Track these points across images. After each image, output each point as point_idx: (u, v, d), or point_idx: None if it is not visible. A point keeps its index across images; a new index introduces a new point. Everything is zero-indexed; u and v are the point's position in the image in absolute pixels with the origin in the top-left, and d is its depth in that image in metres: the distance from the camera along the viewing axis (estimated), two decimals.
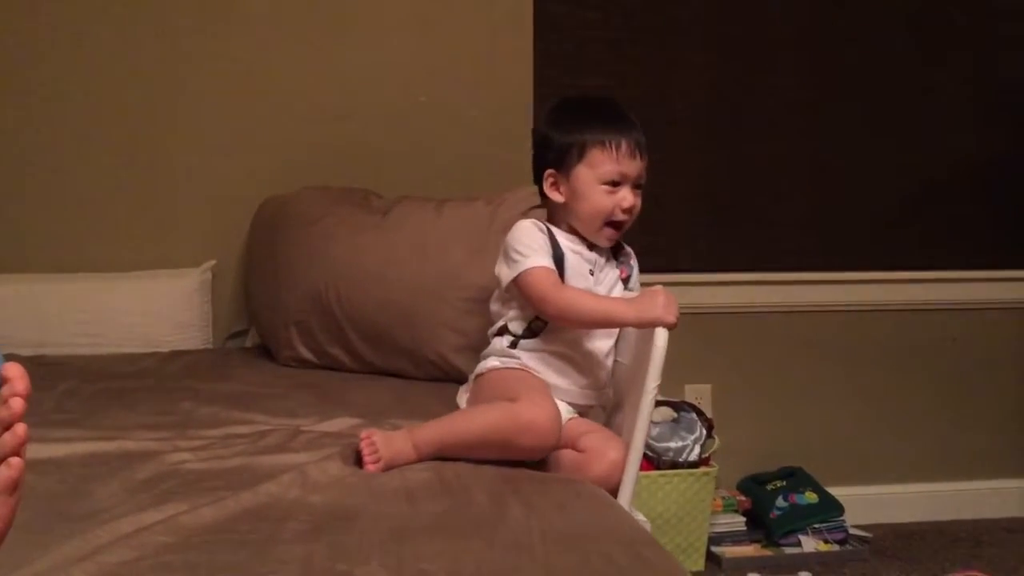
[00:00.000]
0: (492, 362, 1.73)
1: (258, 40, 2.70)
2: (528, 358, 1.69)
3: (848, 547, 2.82)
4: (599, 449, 1.59)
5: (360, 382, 2.12)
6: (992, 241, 3.13)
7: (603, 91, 2.82)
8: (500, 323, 1.75)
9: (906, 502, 3.09)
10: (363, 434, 1.47)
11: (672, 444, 2.69)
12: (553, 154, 1.73)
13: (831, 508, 2.86)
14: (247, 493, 1.24)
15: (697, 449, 2.71)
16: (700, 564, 2.71)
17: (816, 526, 2.83)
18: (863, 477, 3.08)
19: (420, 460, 1.48)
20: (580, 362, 1.70)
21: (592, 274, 1.72)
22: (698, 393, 3.00)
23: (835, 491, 2.91)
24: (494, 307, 1.77)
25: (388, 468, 1.44)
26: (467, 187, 2.50)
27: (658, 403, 2.80)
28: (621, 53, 2.93)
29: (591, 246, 1.75)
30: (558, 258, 1.69)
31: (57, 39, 2.62)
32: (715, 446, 2.76)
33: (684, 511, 2.68)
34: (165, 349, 2.51)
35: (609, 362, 1.74)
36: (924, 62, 3.07)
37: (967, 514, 3.11)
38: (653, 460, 2.67)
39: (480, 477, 1.36)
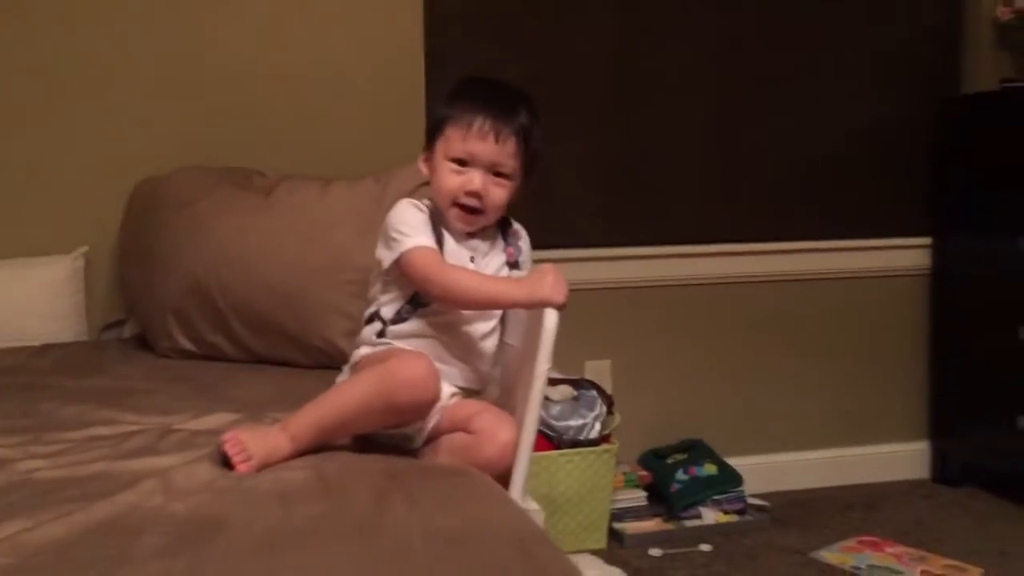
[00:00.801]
0: (363, 350, 1.64)
1: (133, 5, 2.53)
2: (400, 344, 1.61)
3: (747, 517, 2.84)
4: (490, 430, 1.51)
5: (243, 373, 2.02)
6: (883, 210, 3.18)
7: (500, 67, 2.76)
8: (372, 309, 1.67)
9: (802, 469, 3.14)
10: (225, 435, 1.37)
11: (572, 423, 2.65)
12: (429, 129, 1.69)
13: (729, 479, 2.88)
14: (102, 504, 1.13)
15: (597, 427, 2.68)
16: (602, 542, 2.69)
17: (716, 498, 2.84)
18: (761, 446, 3.12)
19: (300, 453, 1.40)
20: (455, 347, 1.63)
21: (472, 261, 1.65)
22: (598, 369, 2.97)
23: (734, 461, 2.93)
24: (371, 292, 1.68)
25: (263, 467, 1.35)
26: (357, 163, 2.40)
27: (557, 381, 2.77)
28: (517, 21, 2.85)
29: (473, 232, 1.67)
30: (438, 241, 1.62)
31: None
32: (615, 423, 2.74)
33: (585, 489, 2.65)
34: (36, 343, 2.34)
35: (489, 344, 1.66)
36: (822, 30, 3.08)
37: (861, 479, 3.17)
38: (553, 439, 2.63)
39: (363, 472, 1.28)
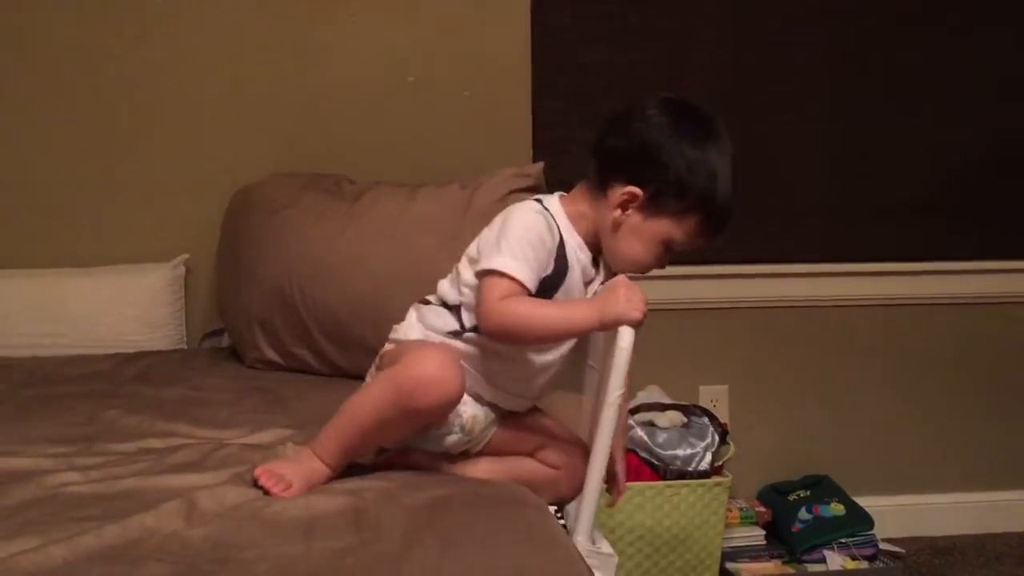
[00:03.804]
0: (415, 333, 1.45)
1: (232, 16, 2.51)
2: (468, 350, 1.42)
3: (878, 564, 2.57)
4: (573, 466, 1.43)
5: (322, 387, 1.93)
6: None
7: (609, 70, 2.63)
8: (458, 297, 1.45)
9: (944, 513, 2.84)
10: (258, 471, 1.26)
11: (680, 452, 2.46)
12: (655, 177, 1.39)
13: (859, 521, 2.62)
14: (114, 526, 1.04)
15: (708, 457, 2.47)
16: None
17: (843, 541, 2.59)
18: (896, 486, 2.84)
19: (338, 473, 1.30)
20: (523, 374, 1.47)
21: (587, 286, 1.47)
22: (714, 395, 2.77)
23: (864, 501, 2.67)
24: (465, 274, 1.44)
25: (306, 491, 1.24)
26: (460, 174, 2.28)
27: (666, 407, 2.59)
28: (626, 26, 2.69)
29: (596, 258, 1.48)
30: (558, 272, 1.41)
31: (9, 22, 2.44)
32: (729, 453, 2.53)
33: (693, 525, 2.45)
34: (133, 350, 2.33)
35: (551, 376, 1.50)
36: (958, 30, 2.78)
37: (1013, 527, 2.84)
38: (659, 469, 2.45)
39: (403, 503, 1.15)
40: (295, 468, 1.27)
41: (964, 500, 2.86)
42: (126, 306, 2.41)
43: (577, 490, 1.38)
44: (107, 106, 2.49)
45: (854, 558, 2.57)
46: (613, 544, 2.41)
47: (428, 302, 1.50)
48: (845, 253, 2.78)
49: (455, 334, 1.44)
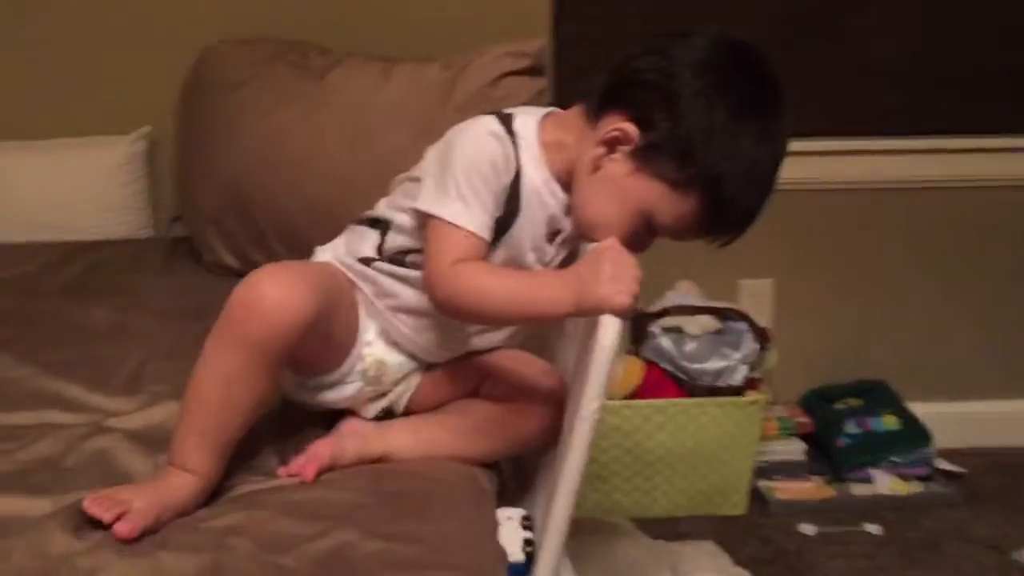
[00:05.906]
0: (323, 255, 1.26)
1: None
2: (384, 282, 1.16)
3: (933, 487, 2.29)
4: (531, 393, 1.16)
5: None
6: None
7: None
8: (388, 212, 1.18)
9: (1012, 424, 2.52)
10: (86, 500, 0.97)
11: (710, 365, 2.16)
12: (662, 123, 1.05)
13: (915, 438, 2.32)
14: None
15: (744, 370, 2.17)
16: (741, 507, 2.22)
17: (894, 459, 2.29)
18: (960, 391, 2.52)
19: (210, 481, 1.04)
20: (458, 330, 1.18)
21: (551, 242, 1.14)
22: (756, 290, 2.44)
23: (923, 408, 2.38)
24: (402, 187, 1.19)
25: (157, 518, 0.98)
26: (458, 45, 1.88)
27: (698, 310, 2.26)
28: None
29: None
30: (506, 216, 1.10)
31: None
32: (770, 363, 2.23)
33: (722, 447, 2.17)
34: (88, 238, 2.04)
35: (498, 337, 1.22)
36: None
37: None
38: (685, 384, 2.15)
39: (285, 569, 0.85)
40: (142, 490, 1.00)
41: None
42: (77, 186, 2.12)
43: (547, 432, 1.13)
44: None
45: (905, 479, 2.29)
46: (629, 465, 2.17)
47: (362, 221, 1.24)
48: (914, 126, 2.37)
49: (366, 261, 1.18)
